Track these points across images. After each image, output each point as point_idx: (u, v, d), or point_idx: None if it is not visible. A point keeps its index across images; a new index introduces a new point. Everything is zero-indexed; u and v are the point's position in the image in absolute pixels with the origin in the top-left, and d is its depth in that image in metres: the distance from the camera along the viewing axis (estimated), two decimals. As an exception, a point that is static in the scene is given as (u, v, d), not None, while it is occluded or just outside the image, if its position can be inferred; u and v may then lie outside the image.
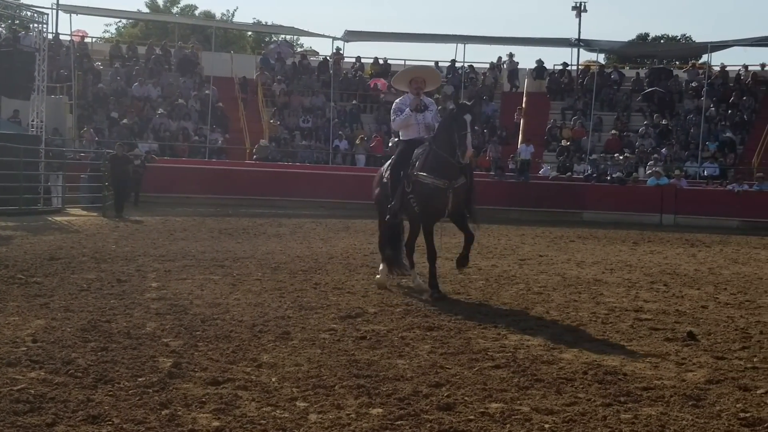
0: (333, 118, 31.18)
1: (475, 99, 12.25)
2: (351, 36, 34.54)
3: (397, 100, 10.72)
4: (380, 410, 5.54)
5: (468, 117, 9.84)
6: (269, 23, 55.70)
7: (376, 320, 8.55)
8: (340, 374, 6.38)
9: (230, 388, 5.96)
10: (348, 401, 5.73)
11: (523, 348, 7.48)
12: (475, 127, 10.78)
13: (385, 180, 10.75)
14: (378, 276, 10.91)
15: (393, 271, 10.96)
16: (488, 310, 9.40)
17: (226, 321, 8.22)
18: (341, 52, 35.19)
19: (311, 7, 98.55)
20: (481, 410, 5.59)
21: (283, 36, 43.93)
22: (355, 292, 10.26)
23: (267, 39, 52.36)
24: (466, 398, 5.84)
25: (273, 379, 6.21)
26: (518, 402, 5.79)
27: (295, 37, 49.05)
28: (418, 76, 10.80)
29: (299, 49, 48.78)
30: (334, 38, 33.87)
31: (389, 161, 10.97)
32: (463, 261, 10.52)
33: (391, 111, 10.73)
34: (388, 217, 10.53)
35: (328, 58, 34.97)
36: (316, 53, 39.18)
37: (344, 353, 7.07)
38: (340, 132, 30.91)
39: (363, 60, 35.93)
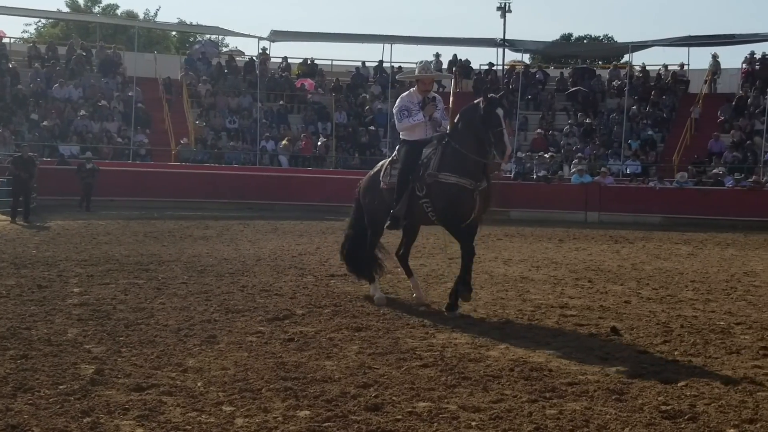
0: (260, 119, 30.96)
1: (503, 92, 11.17)
2: (277, 36, 34.35)
3: (403, 96, 9.79)
4: (308, 412, 5.51)
5: (500, 111, 8.95)
6: (193, 23, 55.08)
7: (304, 322, 8.50)
8: (267, 377, 6.32)
9: (154, 393, 5.86)
10: (275, 404, 5.68)
11: (450, 346, 7.52)
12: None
13: (383, 186, 9.75)
14: (376, 296, 9.89)
15: (362, 277, 10.43)
16: (417, 309, 9.42)
17: (151, 326, 8.08)
18: (267, 52, 34.96)
19: (236, 6, 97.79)
20: (409, 410, 5.59)
21: (207, 36, 43.54)
22: (283, 294, 10.18)
23: (191, 39, 51.86)
24: (393, 398, 5.83)
25: (198, 384, 6.12)
26: (446, 400, 5.81)
27: (221, 37, 48.64)
28: (426, 79, 9.81)
29: (224, 50, 48.33)
30: (260, 38, 33.66)
31: (381, 164, 10.07)
32: (465, 289, 9.20)
33: (396, 108, 9.78)
34: (388, 223, 9.58)
35: (254, 58, 34.69)
36: (241, 53, 38.80)
37: (271, 356, 7.01)
38: (267, 133, 30.71)
39: (290, 60, 35.77)
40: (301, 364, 6.75)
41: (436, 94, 9.92)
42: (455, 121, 9.44)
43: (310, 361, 6.87)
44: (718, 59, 32.51)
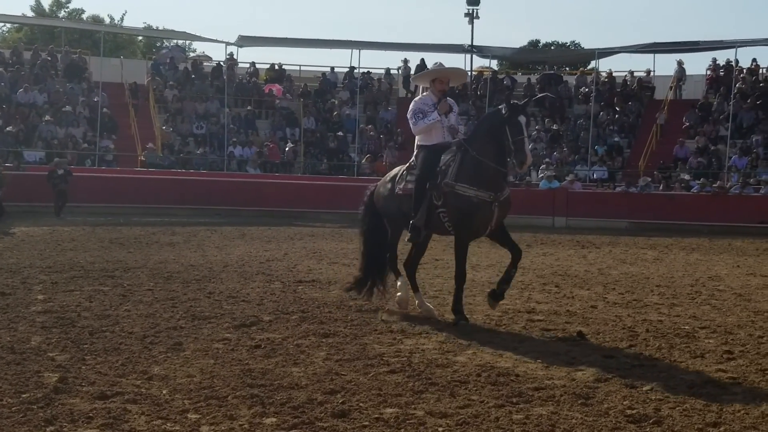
0: (228, 125, 30.82)
1: (527, 99, 10.55)
2: (245, 41, 34.20)
3: (417, 99, 9.50)
4: (274, 419, 5.48)
5: (522, 119, 8.70)
6: (160, 28, 54.82)
7: (271, 328, 8.46)
8: (233, 384, 6.28)
9: (119, 402, 5.80)
10: (241, 411, 5.65)
11: (418, 352, 7.52)
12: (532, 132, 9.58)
13: (399, 191, 9.46)
14: (399, 293, 9.66)
15: (363, 293, 9.98)
16: (385, 315, 9.41)
17: (116, 333, 8.01)
18: (235, 57, 34.82)
19: (204, 11, 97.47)
20: (376, 416, 5.58)
21: (174, 41, 43.32)
22: (250, 300, 10.13)
23: (158, 44, 51.58)
24: (361, 404, 5.82)
25: (164, 392, 6.07)
26: (413, 406, 5.81)
27: (188, 42, 48.37)
28: (443, 76, 9.53)
29: (192, 55, 48.02)
30: (228, 43, 33.45)
31: (398, 170, 9.77)
32: (502, 289, 9.12)
33: (410, 112, 9.41)
34: (409, 236, 9.33)
35: (221, 63, 34.53)
36: (209, 58, 38.53)
37: (238, 363, 6.97)
38: (234, 138, 30.59)
39: (257, 65, 35.69)
40: (268, 370, 6.72)
41: (452, 100, 9.58)
42: (475, 127, 9.28)
43: (277, 367, 6.83)
44: (684, 66, 32.89)
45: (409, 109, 9.50)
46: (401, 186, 9.45)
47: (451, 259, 15.43)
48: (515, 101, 9.05)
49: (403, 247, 10.00)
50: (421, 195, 9.11)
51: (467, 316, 9.06)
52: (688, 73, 33.44)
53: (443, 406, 5.82)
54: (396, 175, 9.70)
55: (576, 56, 43.67)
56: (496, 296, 9.12)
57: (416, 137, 9.53)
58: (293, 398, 5.93)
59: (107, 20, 59.50)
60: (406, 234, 9.57)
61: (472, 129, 9.16)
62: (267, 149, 30.17)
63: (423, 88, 9.89)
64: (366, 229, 10.12)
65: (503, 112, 8.77)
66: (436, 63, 9.96)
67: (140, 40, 58.68)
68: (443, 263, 14.77)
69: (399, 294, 9.65)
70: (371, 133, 31.87)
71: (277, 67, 35.52)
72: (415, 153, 9.53)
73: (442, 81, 9.45)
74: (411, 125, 9.46)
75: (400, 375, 6.65)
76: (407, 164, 9.64)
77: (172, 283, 11.38)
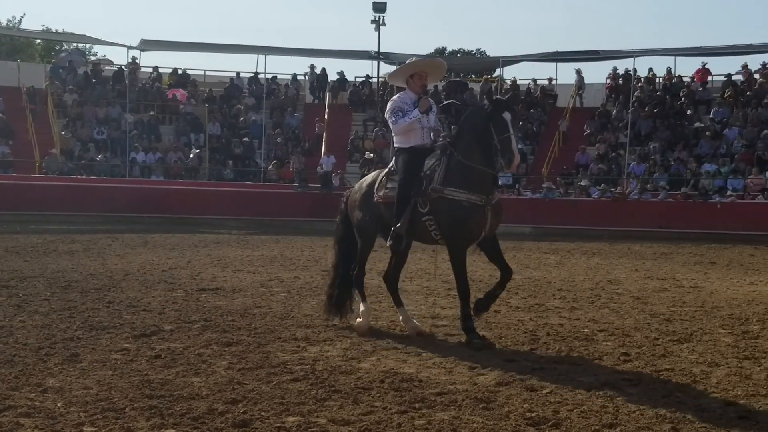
0: (130, 130, 30.20)
1: (510, 94, 9.66)
2: (147, 45, 33.61)
3: (395, 98, 8.88)
4: (173, 431, 5.36)
5: (508, 116, 8.17)
6: (59, 30, 53.35)
7: (172, 338, 8.29)
8: (131, 396, 6.12)
9: (11, 416, 5.60)
10: (139, 423, 5.51)
11: (322, 359, 7.48)
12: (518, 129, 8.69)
13: (378, 199, 8.83)
14: (359, 319, 8.97)
15: (336, 313, 9.26)
16: (290, 322, 9.33)
17: (9, 345, 7.72)
18: (137, 61, 34.19)
19: (105, 14, 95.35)
20: (278, 425, 5.52)
21: (74, 44, 42.22)
22: (151, 309, 9.91)
23: (57, 47, 50.16)
24: (262, 413, 5.75)
25: (59, 405, 5.88)
26: (315, 414, 5.76)
27: (88, 45, 47.10)
28: (421, 71, 8.88)
29: (92, 58, 46.92)
30: (130, 47, 32.84)
31: (375, 175, 9.12)
32: (486, 302, 8.58)
33: (389, 111, 8.79)
34: (390, 242, 8.66)
35: (123, 67, 33.85)
36: (110, 62, 37.75)
37: (137, 373, 6.80)
38: (136, 144, 30.00)
39: (161, 70, 35.09)
40: (168, 381, 6.57)
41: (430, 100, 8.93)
42: (458, 127, 8.65)
43: (177, 378, 6.69)
44: (582, 74, 33.65)
45: (387, 108, 8.91)
46: (381, 193, 8.81)
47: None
48: (498, 96, 8.40)
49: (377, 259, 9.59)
50: (404, 201, 8.52)
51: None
52: (588, 81, 34.25)
53: (346, 413, 5.79)
54: (373, 181, 9.05)
55: (481, 64, 44.26)
56: (478, 309, 8.49)
57: (394, 139, 8.98)
58: (193, 409, 5.82)
59: (4, 23, 57.62)
60: (381, 242, 9.02)
61: (456, 130, 8.67)
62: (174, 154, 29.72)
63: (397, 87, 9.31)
64: (341, 238, 9.44)
65: (486, 108, 8.32)
66: (411, 58, 9.31)
67: (38, 43, 56.96)
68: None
69: (359, 320, 8.96)
70: (278, 139, 31.68)
71: (180, 71, 35.01)
72: (393, 157, 8.97)
73: (420, 76, 8.84)
74: (390, 125, 8.86)
75: (303, 383, 6.59)
76: (386, 170, 9.02)
77: (69, 292, 11.06)
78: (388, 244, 8.76)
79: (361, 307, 9.02)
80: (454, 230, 8.37)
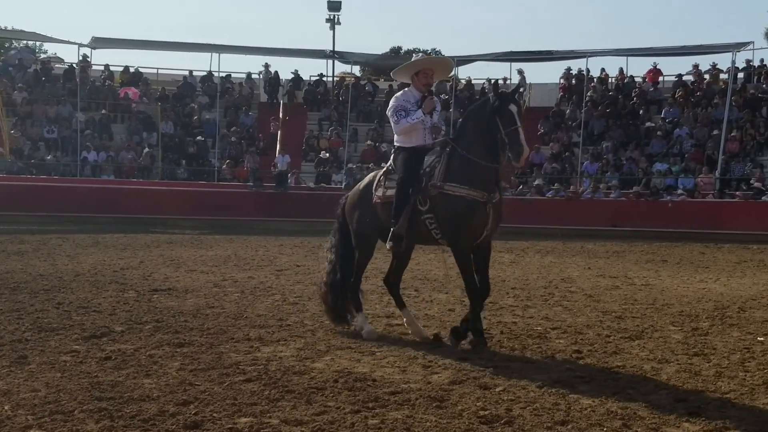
0: (81, 129, 29.78)
1: (514, 87, 9.20)
2: (99, 43, 33.15)
3: (397, 95, 8.62)
4: (122, 434, 5.29)
5: (514, 108, 7.89)
6: (8, 28, 52.45)
7: (123, 339, 8.18)
8: (80, 398, 6.03)
9: (-44, 420, 5.47)
10: (88, 426, 5.43)
11: (275, 359, 7.43)
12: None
13: (377, 200, 8.53)
14: (365, 329, 8.60)
15: (340, 321, 8.93)
16: (243, 322, 9.26)
17: (-45, 348, 7.56)
18: (89, 59, 33.71)
19: (55, 11, 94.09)
20: (230, 426, 5.47)
21: (24, 42, 41.52)
22: (102, 310, 9.77)
23: (6, 45, 49.31)
24: (214, 415, 5.69)
25: (6, 408, 5.78)
26: (268, 415, 5.72)
27: (38, 43, 46.42)
28: (427, 68, 8.61)
29: (42, 56, 46.17)
30: (81, 45, 32.36)
31: (372, 176, 8.85)
32: (480, 340, 8.09)
33: (391, 109, 8.52)
34: (390, 244, 8.36)
35: (74, 65, 33.35)
36: (60, 60, 37.16)
37: (86, 375, 6.70)
38: (88, 143, 29.59)
39: (112, 68, 34.64)
40: (118, 383, 6.48)
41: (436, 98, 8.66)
42: (461, 122, 8.42)
43: (128, 379, 6.60)
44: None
45: (390, 106, 8.64)
46: (379, 193, 8.51)
47: (313, 264, 15.44)
48: (503, 90, 8.27)
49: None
50: (403, 200, 8.23)
51: (298, 318, 9.05)
52: (542, 81, 34.54)
53: (299, 413, 5.76)
54: (371, 182, 8.76)
55: (436, 63, 44.31)
56: (458, 335, 8.19)
57: (394, 137, 8.71)
58: (144, 411, 5.74)
59: (-49, 19, 56.53)
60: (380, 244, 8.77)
61: (458, 125, 8.42)
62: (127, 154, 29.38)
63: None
64: (336, 246, 9.14)
65: (492, 102, 8.01)
66: (418, 54, 8.95)
67: (-13, 41, 56.03)
68: (304, 269, 14.73)
69: (364, 330, 8.60)
70: (232, 138, 31.47)
71: (132, 69, 34.59)
72: (392, 156, 8.70)
73: (426, 74, 8.54)
74: (392, 124, 8.57)
75: (256, 383, 6.54)
76: (384, 169, 8.74)
77: (18, 293, 10.87)
78: (387, 246, 8.48)
79: (358, 318, 8.73)
80: (456, 227, 8.08)
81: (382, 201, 8.49)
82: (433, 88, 8.78)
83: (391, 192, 8.39)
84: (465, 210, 7.97)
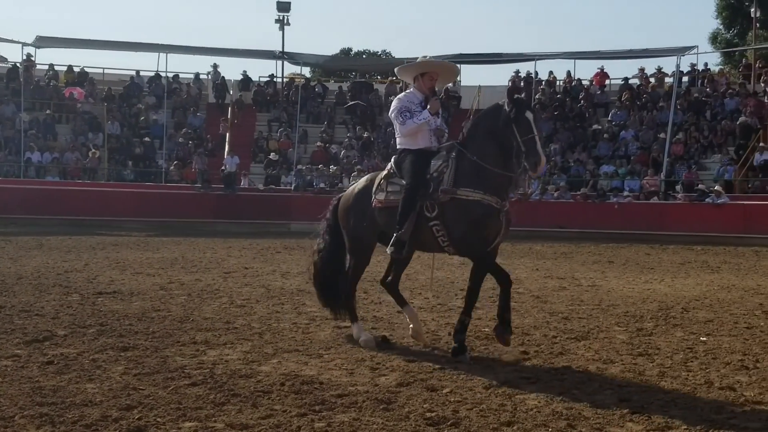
0: (25, 129, 29.26)
1: (540, 97, 8.93)
2: (43, 42, 32.64)
3: (401, 96, 8.37)
4: (63, 440, 5.19)
5: (530, 115, 7.56)
6: (-49, 26, 51.35)
7: (66, 343, 8.03)
8: (21, 403, 5.90)
9: None
10: (28, 432, 5.31)
11: (221, 363, 7.35)
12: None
13: (377, 204, 8.22)
14: (362, 337, 8.33)
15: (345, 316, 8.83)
16: (189, 326, 9.15)
17: None
18: (33, 58, 33.15)
19: None
20: (174, 430, 5.40)
21: (-34, 40, 40.59)
22: (45, 314, 9.59)
23: (-52, 43, 48.24)
24: (158, 419, 5.61)
25: (-57, 415, 5.63)
26: (213, 419, 5.65)
27: (-19, 42, 45.50)
28: (432, 71, 8.44)
29: (-14, 55, 45.31)
30: (25, 44, 31.82)
31: (370, 178, 8.56)
32: (506, 330, 7.90)
33: (395, 110, 8.21)
34: (392, 249, 8.08)
35: (17, 64, 32.77)
36: (4, 59, 36.44)
37: (27, 380, 6.56)
38: (32, 144, 29.07)
39: (57, 67, 34.13)
40: (60, 388, 6.36)
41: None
42: (470, 127, 8.10)
43: (70, 384, 6.48)
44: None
45: (393, 107, 8.33)
46: (380, 197, 8.18)
47: (261, 266, 15.37)
48: (519, 96, 7.90)
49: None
50: (410, 206, 7.87)
51: (245, 321, 8.89)
52: (491, 84, 34.69)
53: (244, 417, 5.70)
54: (367, 185, 8.45)
55: (386, 65, 44.37)
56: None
57: (398, 140, 8.41)
58: (86, 416, 5.64)
59: None
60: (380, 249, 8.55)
61: (467, 130, 8.09)
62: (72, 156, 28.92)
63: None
64: (323, 249, 8.99)
65: (507, 109, 7.66)
66: (424, 56, 8.81)
67: (-72, 38, 54.77)
68: (253, 271, 14.64)
69: (362, 338, 8.34)
70: (180, 139, 31.17)
71: (78, 69, 34.11)
72: (394, 159, 8.36)
73: (431, 77, 8.38)
74: (398, 125, 8.23)
75: (201, 387, 6.46)
76: (384, 172, 8.38)
77: (-42, 297, 10.63)
78: (388, 252, 8.19)
79: (354, 329, 8.52)
80: (471, 234, 7.74)
81: (383, 205, 8.20)
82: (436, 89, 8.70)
83: (393, 196, 8.11)
84: (481, 215, 7.68)
